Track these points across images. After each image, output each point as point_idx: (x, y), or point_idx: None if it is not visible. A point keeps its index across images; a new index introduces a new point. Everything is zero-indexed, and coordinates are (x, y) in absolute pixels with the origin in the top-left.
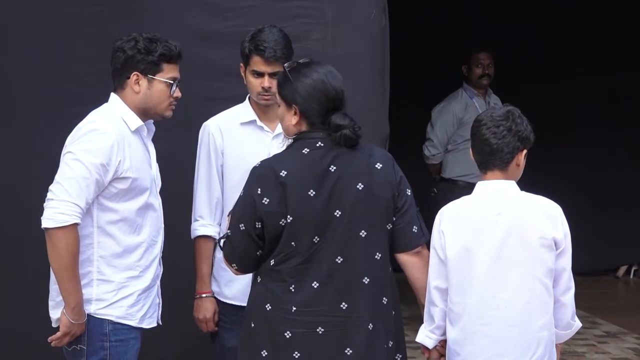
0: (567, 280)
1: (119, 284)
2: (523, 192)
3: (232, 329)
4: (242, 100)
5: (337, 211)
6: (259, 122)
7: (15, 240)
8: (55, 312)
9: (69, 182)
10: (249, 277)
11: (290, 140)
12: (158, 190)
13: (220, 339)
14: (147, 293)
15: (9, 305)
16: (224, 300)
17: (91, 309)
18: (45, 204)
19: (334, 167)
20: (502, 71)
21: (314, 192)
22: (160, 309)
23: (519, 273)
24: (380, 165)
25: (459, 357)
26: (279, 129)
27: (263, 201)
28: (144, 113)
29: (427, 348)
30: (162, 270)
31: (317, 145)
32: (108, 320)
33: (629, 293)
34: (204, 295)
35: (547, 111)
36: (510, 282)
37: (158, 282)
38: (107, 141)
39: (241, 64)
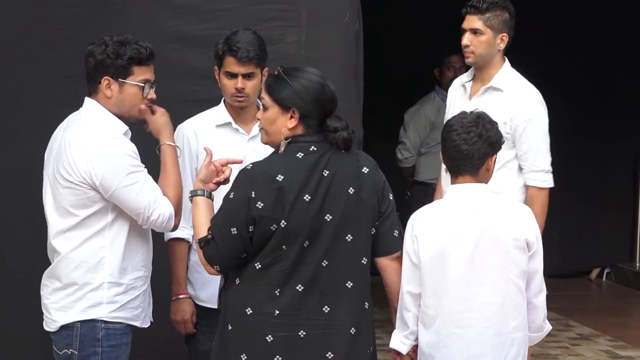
0: (539, 283)
1: (128, 286)
2: (494, 195)
3: (208, 332)
4: (217, 103)
5: (328, 215)
6: (234, 125)
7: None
8: (62, 315)
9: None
10: None
11: (284, 144)
12: None
13: (195, 343)
14: (145, 293)
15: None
16: (199, 303)
17: (103, 312)
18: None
19: (327, 172)
20: None
21: (309, 197)
22: (151, 306)
23: (493, 275)
24: (367, 170)
25: (430, 358)
26: (254, 131)
27: (257, 205)
28: (119, 117)
29: (399, 353)
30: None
31: (311, 149)
32: (102, 324)
33: (602, 295)
34: (181, 296)
35: None
36: (485, 284)
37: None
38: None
39: (215, 67)
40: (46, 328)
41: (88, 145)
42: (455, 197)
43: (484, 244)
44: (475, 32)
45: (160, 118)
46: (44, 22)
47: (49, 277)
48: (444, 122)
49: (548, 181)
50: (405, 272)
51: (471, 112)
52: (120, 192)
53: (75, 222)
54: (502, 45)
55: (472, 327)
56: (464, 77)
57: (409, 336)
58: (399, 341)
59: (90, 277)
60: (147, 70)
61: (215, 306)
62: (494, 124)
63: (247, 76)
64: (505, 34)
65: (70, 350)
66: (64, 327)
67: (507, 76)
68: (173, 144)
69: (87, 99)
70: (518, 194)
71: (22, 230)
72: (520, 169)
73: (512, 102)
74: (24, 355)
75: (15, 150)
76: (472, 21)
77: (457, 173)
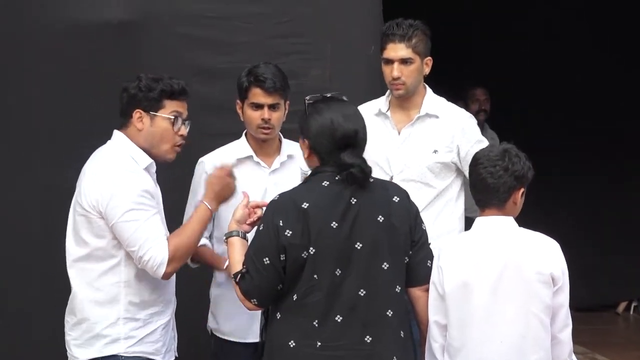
0: (565, 317)
1: (144, 321)
2: (521, 228)
3: None
4: (236, 137)
5: (359, 243)
6: (255, 158)
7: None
8: (81, 352)
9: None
10: (248, 313)
11: (307, 175)
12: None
13: None
14: (166, 327)
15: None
16: (221, 337)
17: (121, 348)
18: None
19: (355, 200)
20: (502, 103)
21: (336, 224)
22: (177, 341)
23: (515, 308)
24: (398, 199)
25: None
26: (275, 164)
27: (286, 233)
28: (147, 152)
29: None
30: (176, 303)
31: (337, 178)
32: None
33: (629, 329)
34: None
35: (546, 144)
36: (506, 317)
37: (173, 315)
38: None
39: (237, 100)
40: None
41: (101, 174)
42: (481, 229)
43: (507, 276)
44: (405, 61)
45: (212, 177)
46: (65, 56)
47: (68, 312)
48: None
49: None
50: (432, 302)
51: (498, 145)
52: (119, 226)
53: (87, 251)
54: (428, 70)
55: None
56: (382, 107)
57: None
58: None
59: (105, 313)
60: (178, 105)
61: (237, 340)
62: (520, 157)
63: (273, 107)
64: (429, 58)
65: None
66: None
67: (436, 102)
68: (207, 206)
69: (115, 132)
70: (457, 223)
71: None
72: (458, 197)
73: (454, 127)
74: None
75: (50, 180)
76: (399, 50)
77: (484, 206)
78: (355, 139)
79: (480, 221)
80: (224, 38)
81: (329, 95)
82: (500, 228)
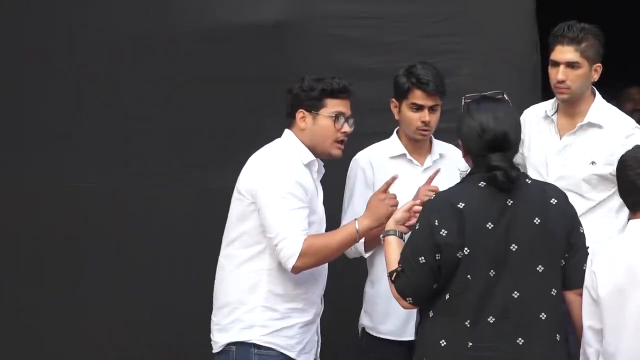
0: None
1: (283, 314)
2: None
3: None
4: (386, 136)
5: (514, 245)
6: (408, 156)
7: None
8: (221, 336)
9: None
10: (405, 311)
11: (464, 174)
12: (322, 228)
13: None
14: (308, 328)
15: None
16: (377, 335)
17: (255, 335)
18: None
19: (511, 201)
20: None
21: (492, 225)
22: (319, 346)
23: None
24: (555, 201)
25: None
26: (427, 162)
27: (441, 232)
28: (312, 149)
29: None
30: (323, 308)
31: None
32: (254, 351)
33: None
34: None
35: None
36: None
37: (318, 320)
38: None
39: (393, 100)
40: (213, 349)
41: (262, 162)
42: (635, 232)
43: None
44: (571, 65)
45: (372, 198)
46: (219, 58)
47: (214, 297)
48: (525, 154)
49: None
50: (585, 307)
51: None
52: (265, 210)
53: (236, 235)
54: (596, 77)
55: None
56: (549, 109)
57: None
58: None
59: (246, 298)
60: (340, 103)
61: (394, 338)
62: None
63: (432, 109)
64: (599, 64)
65: None
66: (221, 352)
67: (603, 110)
68: (356, 230)
69: (286, 130)
70: (616, 235)
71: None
72: (620, 209)
73: (615, 138)
74: None
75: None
76: (567, 53)
77: (635, 209)
78: (505, 141)
79: (633, 224)
80: (375, 38)
81: (486, 94)
82: None
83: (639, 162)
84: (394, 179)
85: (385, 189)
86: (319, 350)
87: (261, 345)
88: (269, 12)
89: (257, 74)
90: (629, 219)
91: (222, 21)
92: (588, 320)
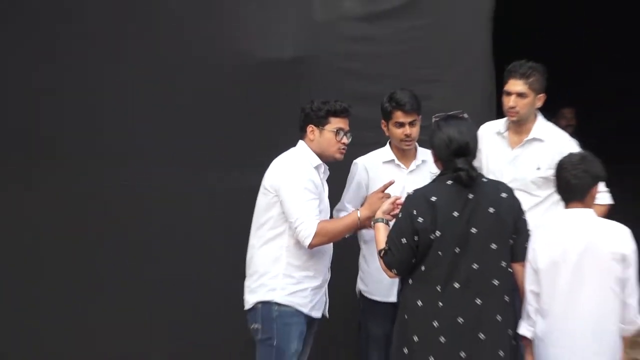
0: (632, 286)
1: (298, 280)
2: (598, 218)
3: (374, 320)
4: (381, 145)
5: (474, 229)
6: (396, 161)
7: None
8: (251, 297)
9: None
10: (391, 280)
11: (434, 175)
12: (328, 216)
13: (366, 329)
14: (317, 290)
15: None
16: (369, 297)
17: (277, 295)
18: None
19: (472, 195)
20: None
21: (457, 214)
22: (327, 305)
23: (593, 281)
24: (505, 195)
25: (542, 342)
26: (412, 166)
27: (419, 220)
28: (319, 155)
29: (526, 338)
30: (330, 275)
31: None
32: (275, 306)
33: None
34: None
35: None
36: (587, 288)
37: (326, 285)
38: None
39: (382, 121)
40: (245, 307)
41: (282, 165)
42: (566, 219)
43: (587, 256)
44: (520, 95)
45: (372, 196)
46: (247, 85)
47: (247, 267)
48: (484, 162)
49: (606, 199)
50: (527, 276)
51: (577, 153)
52: (286, 198)
53: (262, 220)
54: (540, 104)
55: (576, 320)
56: (501, 128)
57: (532, 324)
58: (525, 329)
59: (270, 268)
60: (341, 121)
61: (382, 299)
62: (596, 161)
63: (412, 124)
64: (543, 94)
65: (257, 325)
66: (251, 309)
67: (544, 127)
68: (357, 218)
69: (300, 141)
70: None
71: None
72: (558, 202)
73: (554, 150)
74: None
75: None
76: (517, 85)
77: (567, 201)
78: (467, 149)
79: (565, 212)
80: (372, 70)
81: (451, 114)
82: (582, 218)
83: (573, 165)
84: (390, 183)
85: (383, 189)
86: (327, 308)
87: (281, 304)
88: (288, 49)
89: (279, 98)
90: (564, 208)
91: (249, 56)
92: (529, 286)
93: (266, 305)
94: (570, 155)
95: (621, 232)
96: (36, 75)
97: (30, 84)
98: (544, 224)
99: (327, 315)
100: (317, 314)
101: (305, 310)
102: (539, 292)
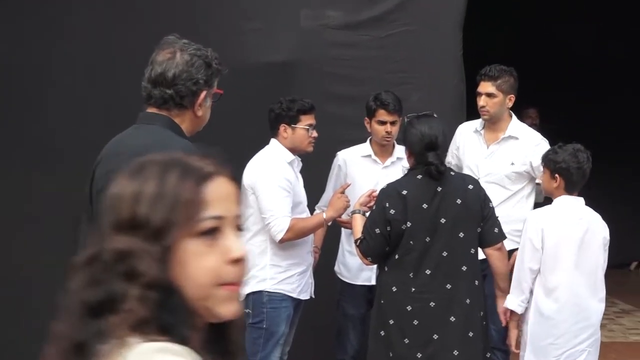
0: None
1: (285, 268)
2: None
3: (350, 301)
4: (364, 142)
5: (443, 219)
6: (373, 157)
7: None
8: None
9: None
10: (355, 262)
11: (406, 170)
12: (305, 205)
13: (342, 309)
14: (303, 275)
15: None
16: (346, 280)
17: (267, 285)
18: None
19: (440, 188)
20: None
21: (426, 205)
22: (313, 286)
23: (590, 260)
24: (472, 186)
25: (550, 320)
26: (387, 162)
27: (391, 212)
28: (292, 151)
29: (513, 313)
30: (312, 259)
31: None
32: (266, 293)
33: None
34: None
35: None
36: (585, 267)
37: (311, 268)
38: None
39: (366, 118)
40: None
41: (258, 164)
42: (567, 205)
43: (587, 238)
44: (489, 95)
45: (333, 196)
46: (239, 88)
47: None
48: (461, 157)
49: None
50: (527, 253)
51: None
52: (261, 195)
53: (250, 213)
54: (510, 104)
55: (578, 297)
56: (478, 126)
57: (525, 301)
58: (516, 304)
59: (258, 260)
60: (310, 117)
61: (356, 282)
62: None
63: (393, 123)
64: (512, 95)
65: (248, 310)
66: (242, 301)
67: (518, 127)
68: (323, 219)
69: (272, 140)
70: (528, 213)
71: None
72: (529, 196)
73: (528, 147)
74: None
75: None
76: (487, 87)
77: (572, 190)
78: (436, 142)
79: (563, 199)
80: (355, 74)
81: (422, 113)
82: (577, 205)
83: (589, 160)
84: (347, 184)
85: (341, 191)
86: (312, 289)
87: (271, 292)
88: (279, 55)
89: (270, 99)
90: (559, 195)
91: (241, 61)
92: (529, 263)
93: (257, 294)
94: (583, 150)
95: (602, 221)
96: (36, 74)
97: (30, 83)
98: (547, 209)
99: (314, 296)
100: (305, 296)
101: (294, 295)
102: (538, 268)
